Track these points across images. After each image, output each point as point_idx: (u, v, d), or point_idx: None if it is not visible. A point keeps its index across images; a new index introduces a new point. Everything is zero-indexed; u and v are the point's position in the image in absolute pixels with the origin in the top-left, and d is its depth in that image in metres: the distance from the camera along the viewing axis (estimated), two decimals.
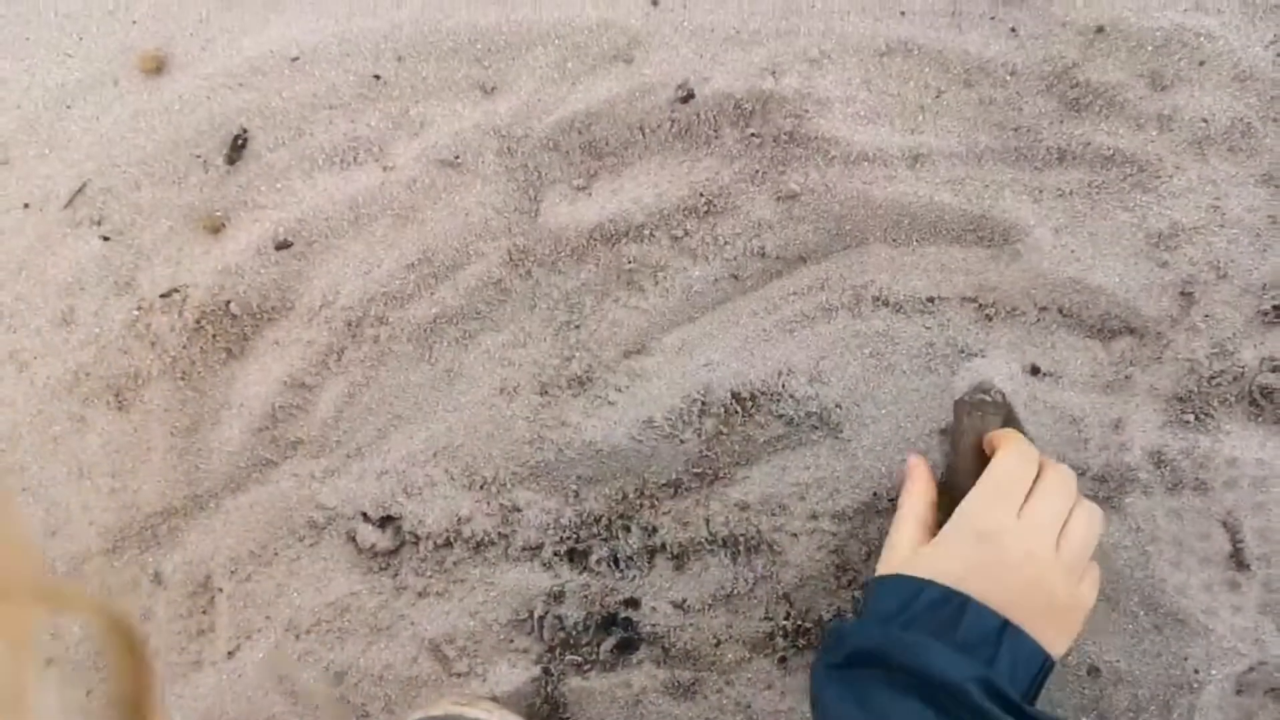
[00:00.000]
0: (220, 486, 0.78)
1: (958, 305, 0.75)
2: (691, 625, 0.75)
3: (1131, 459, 0.73)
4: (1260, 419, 0.72)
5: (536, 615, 0.76)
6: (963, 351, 0.75)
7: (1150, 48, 0.74)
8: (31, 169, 0.80)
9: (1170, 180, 0.74)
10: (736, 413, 0.75)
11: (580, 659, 0.75)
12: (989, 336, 0.75)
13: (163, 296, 0.79)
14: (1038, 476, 0.62)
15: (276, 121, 0.79)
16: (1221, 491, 0.72)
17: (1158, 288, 0.74)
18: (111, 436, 0.78)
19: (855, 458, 0.75)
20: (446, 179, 0.78)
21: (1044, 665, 0.57)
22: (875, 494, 0.74)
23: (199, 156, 0.79)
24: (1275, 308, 0.73)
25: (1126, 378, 0.74)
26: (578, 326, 0.77)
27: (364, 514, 0.77)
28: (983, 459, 0.66)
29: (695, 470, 0.75)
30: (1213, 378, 0.73)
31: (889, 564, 0.63)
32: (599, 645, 0.75)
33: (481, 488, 0.77)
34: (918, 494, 0.66)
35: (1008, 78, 0.76)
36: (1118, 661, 0.73)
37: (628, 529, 0.76)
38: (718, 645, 0.75)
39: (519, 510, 0.76)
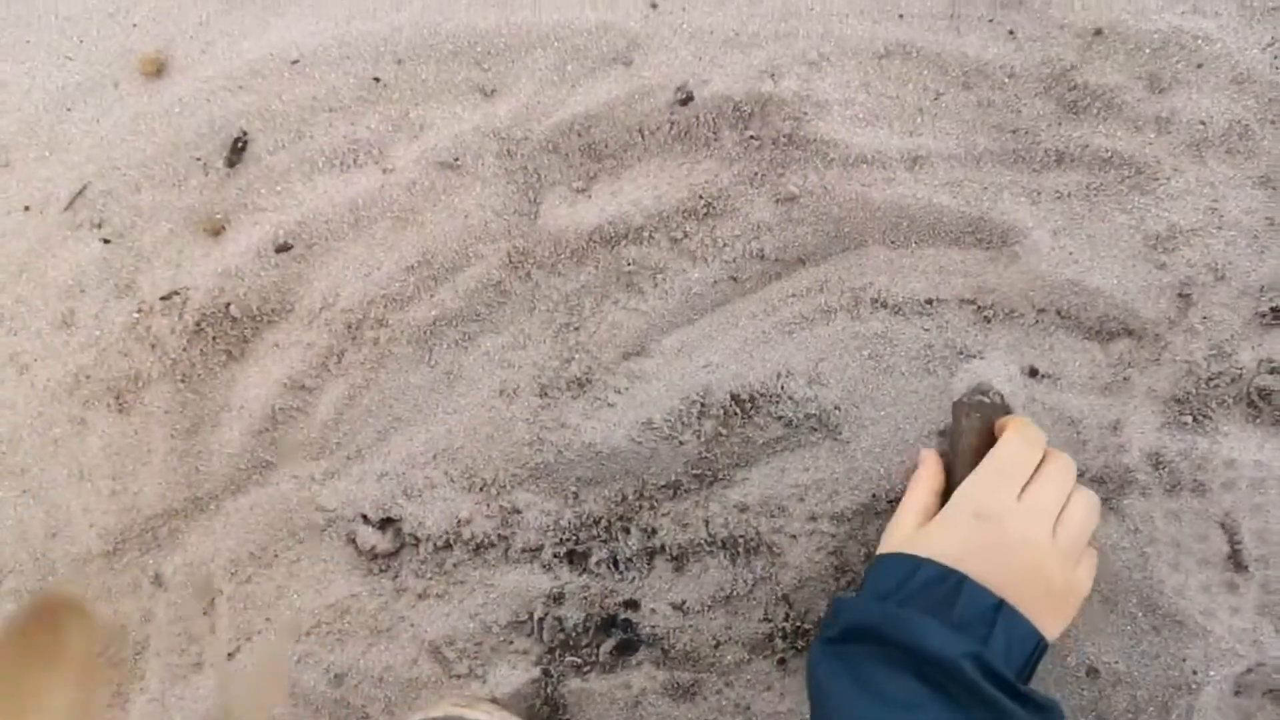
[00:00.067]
0: (220, 488, 0.78)
1: (956, 307, 0.75)
2: (691, 627, 0.75)
3: (1130, 460, 0.73)
4: (1258, 420, 0.73)
5: (536, 617, 0.76)
6: (961, 353, 0.75)
7: (1148, 50, 0.75)
8: (32, 172, 0.81)
9: (1168, 182, 0.74)
10: (735, 414, 0.75)
11: (580, 660, 0.76)
12: (987, 338, 0.75)
13: (163, 299, 0.79)
14: (1040, 463, 0.63)
15: (276, 124, 0.79)
16: (1219, 493, 0.72)
17: (1156, 290, 0.74)
18: (112, 439, 0.78)
19: (854, 459, 0.75)
20: (446, 181, 0.78)
21: (1037, 646, 0.57)
22: (874, 495, 0.75)
23: (199, 159, 0.80)
24: (1273, 309, 0.73)
25: (1125, 379, 0.74)
26: (577, 328, 0.77)
27: (364, 516, 0.77)
28: (981, 457, 0.66)
29: (694, 472, 0.76)
30: (1211, 379, 0.73)
31: (889, 543, 0.64)
32: (599, 647, 0.76)
33: (481, 489, 0.77)
34: (925, 480, 0.67)
35: (1006, 80, 0.76)
36: (1116, 663, 0.73)
37: (627, 530, 0.76)
38: (717, 647, 0.75)
39: (519, 512, 0.76)
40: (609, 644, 0.75)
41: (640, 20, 0.78)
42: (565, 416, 0.77)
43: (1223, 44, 0.74)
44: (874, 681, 0.55)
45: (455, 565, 0.77)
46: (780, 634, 0.75)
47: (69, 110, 0.81)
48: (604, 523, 0.76)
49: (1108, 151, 0.75)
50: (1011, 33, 0.76)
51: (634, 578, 0.76)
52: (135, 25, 0.81)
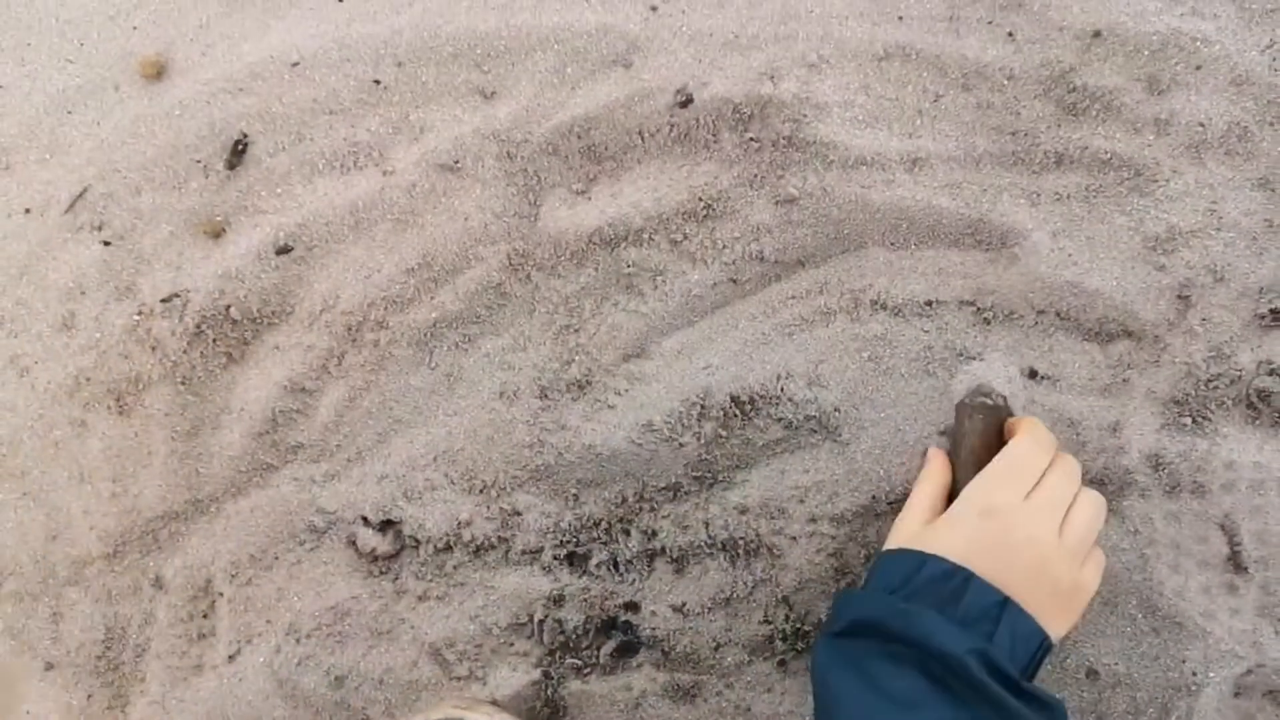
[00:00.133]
0: (221, 491, 0.78)
1: (956, 309, 0.76)
2: (691, 628, 0.75)
3: (1129, 462, 0.73)
4: (1257, 422, 0.73)
5: (536, 619, 0.76)
6: (961, 355, 0.75)
7: (1147, 52, 0.75)
8: (32, 174, 0.81)
9: (1167, 184, 0.74)
10: (735, 416, 0.75)
11: (580, 662, 0.76)
12: (987, 340, 0.75)
13: (163, 301, 0.79)
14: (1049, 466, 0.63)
15: (277, 126, 0.79)
16: (1219, 494, 0.72)
17: (1155, 291, 0.74)
18: (112, 441, 0.78)
19: (854, 461, 0.75)
20: (446, 184, 0.79)
21: (1042, 644, 0.57)
22: (874, 497, 0.75)
23: (199, 161, 0.80)
24: (1272, 311, 0.73)
25: (1124, 381, 0.74)
26: (577, 330, 0.77)
27: (364, 518, 0.77)
28: (985, 460, 0.66)
29: (694, 474, 0.76)
30: (1210, 381, 0.73)
31: (895, 540, 0.64)
32: (599, 649, 0.76)
33: (481, 491, 0.77)
34: (932, 478, 0.67)
35: (1005, 82, 0.76)
36: (1116, 664, 0.73)
37: (627, 532, 0.76)
38: (717, 648, 0.75)
39: (519, 514, 0.77)
40: (609, 646, 0.75)
41: (640, 23, 0.78)
42: (565, 418, 0.77)
43: (1221, 46, 0.74)
44: (878, 676, 0.55)
45: (455, 567, 0.77)
46: (780, 636, 0.75)
47: (70, 113, 0.81)
48: (604, 525, 0.76)
49: (1107, 153, 0.75)
50: (1011, 35, 0.76)
51: (634, 580, 0.76)
52: (135, 28, 0.81)
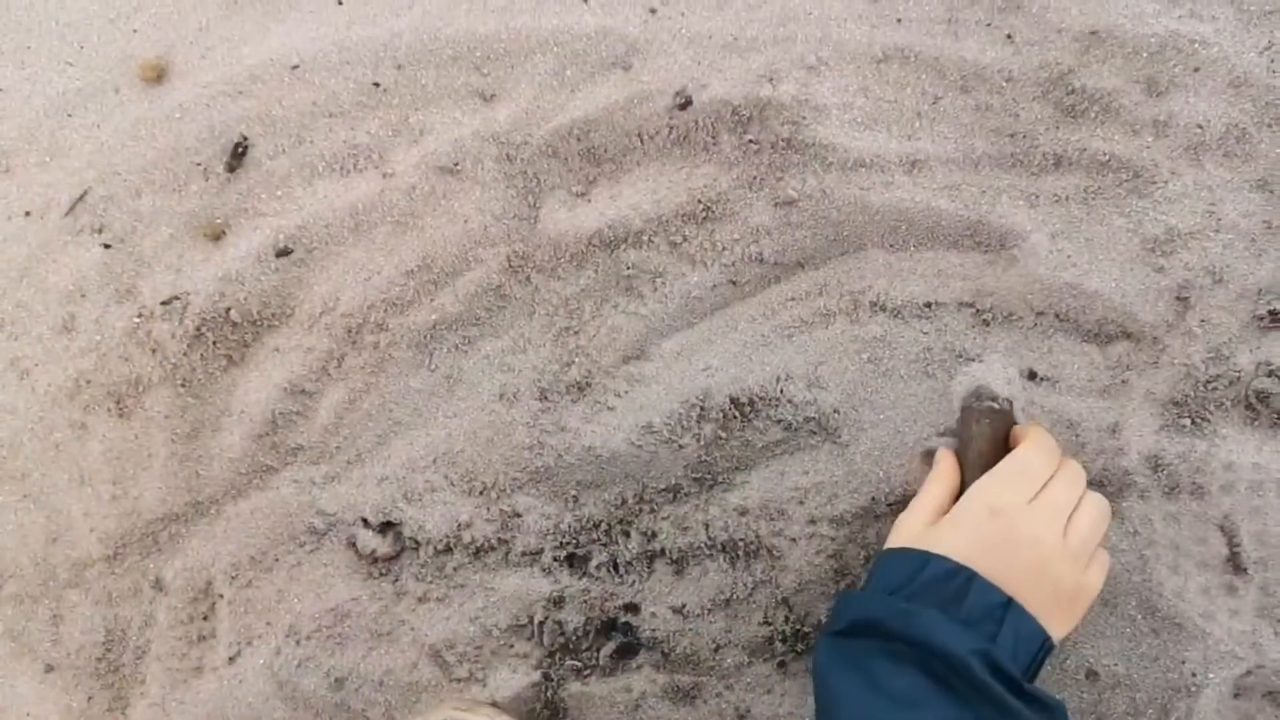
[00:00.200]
0: (221, 493, 0.78)
1: (955, 310, 0.76)
2: (691, 630, 0.75)
3: (1128, 463, 0.73)
4: (1256, 423, 0.73)
5: (536, 620, 0.76)
6: (960, 356, 0.75)
7: (1145, 54, 0.75)
8: (33, 177, 0.81)
9: (1166, 186, 0.74)
10: (735, 418, 0.76)
11: (580, 664, 0.76)
12: (986, 341, 0.75)
13: (163, 304, 0.79)
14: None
15: (277, 129, 0.80)
16: (1218, 495, 0.72)
17: (1154, 293, 0.74)
18: (112, 443, 0.79)
19: (853, 462, 0.75)
20: (446, 186, 0.79)
21: (1044, 645, 0.57)
22: (873, 498, 0.75)
23: (199, 164, 0.80)
24: (1271, 312, 0.73)
25: (1123, 382, 0.74)
26: (577, 332, 0.77)
27: (364, 520, 0.77)
28: (991, 464, 0.66)
29: (694, 475, 0.76)
30: (1209, 382, 0.73)
31: (897, 538, 0.64)
32: (599, 650, 0.76)
33: (481, 493, 0.77)
34: (941, 480, 0.66)
35: (1004, 84, 0.76)
36: (1116, 665, 0.73)
37: (627, 534, 0.76)
38: (717, 650, 0.75)
39: (519, 516, 0.77)
40: (609, 647, 0.75)
41: (639, 25, 0.79)
42: (565, 420, 0.77)
43: (1219, 48, 0.74)
44: (880, 676, 0.55)
45: (455, 569, 0.77)
46: (780, 637, 0.75)
47: (70, 116, 0.81)
48: (604, 526, 0.76)
49: (1105, 155, 0.75)
50: (1009, 37, 0.76)
51: (634, 581, 0.76)
52: (136, 31, 0.82)
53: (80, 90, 0.81)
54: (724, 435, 0.76)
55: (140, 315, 0.79)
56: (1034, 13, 0.76)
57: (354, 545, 0.77)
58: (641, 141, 0.78)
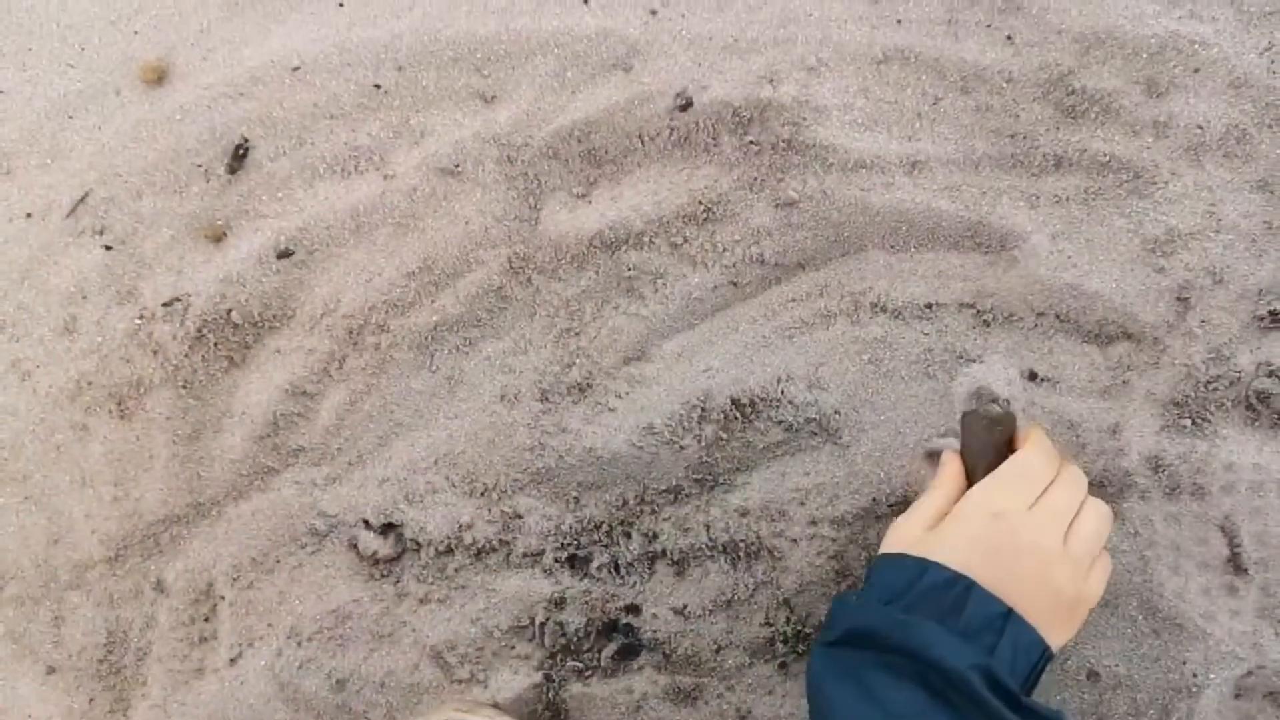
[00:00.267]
0: (222, 494, 0.78)
1: (955, 311, 0.76)
2: (692, 631, 0.75)
3: (1129, 464, 0.73)
4: (1257, 424, 0.73)
5: (538, 622, 0.76)
6: (961, 357, 0.75)
7: (1145, 55, 0.75)
8: (34, 179, 0.81)
9: (1166, 186, 0.74)
10: (736, 419, 0.76)
11: (581, 665, 0.76)
12: (987, 342, 0.75)
13: (165, 305, 0.79)
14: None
15: (278, 131, 0.80)
16: (1219, 496, 0.72)
17: (1154, 293, 0.74)
18: (114, 445, 0.79)
19: (854, 463, 0.75)
20: (447, 187, 0.79)
21: (1043, 655, 0.57)
22: (874, 499, 0.75)
23: (200, 166, 0.80)
24: (1271, 313, 0.73)
25: (1124, 383, 0.74)
26: (578, 333, 0.78)
27: (365, 521, 0.77)
28: (991, 467, 0.66)
29: (695, 476, 0.76)
30: (1209, 383, 0.73)
31: (896, 541, 0.62)
32: (600, 651, 0.76)
33: (482, 494, 0.77)
34: (945, 485, 0.65)
35: (1004, 85, 0.76)
36: (1116, 666, 0.73)
37: (628, 535, 0.76)
38: (718, 651, 0.75)
39: (520, 517, 0.77)
40: (610, 648, 0.75)
41: (640, 27, 0.79)
42: (566, 421, 0.77)
43: (1219, 49, 0.74)
44: (876, 689, 0.54)
45: (457, 570, 0.77)
46: (781, 638, 0.75)
47: (71, 118, 0.81)
48: (605, 527, 0.76)
49: (1106, 156, 0.75)
50: (1009, 38, 0.76)
51: (635, 582, 0.76)
52: (136, 33, 0.82)
53: (81, 92, 0.81)
54: (725, 436, 0.76)
55: (141, 317, 0.79)
56: (1034, 14, 0.76)
57: (355, 547, 0.77)
58: (642, 143, 0.78)
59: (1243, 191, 0.74)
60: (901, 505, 0.74)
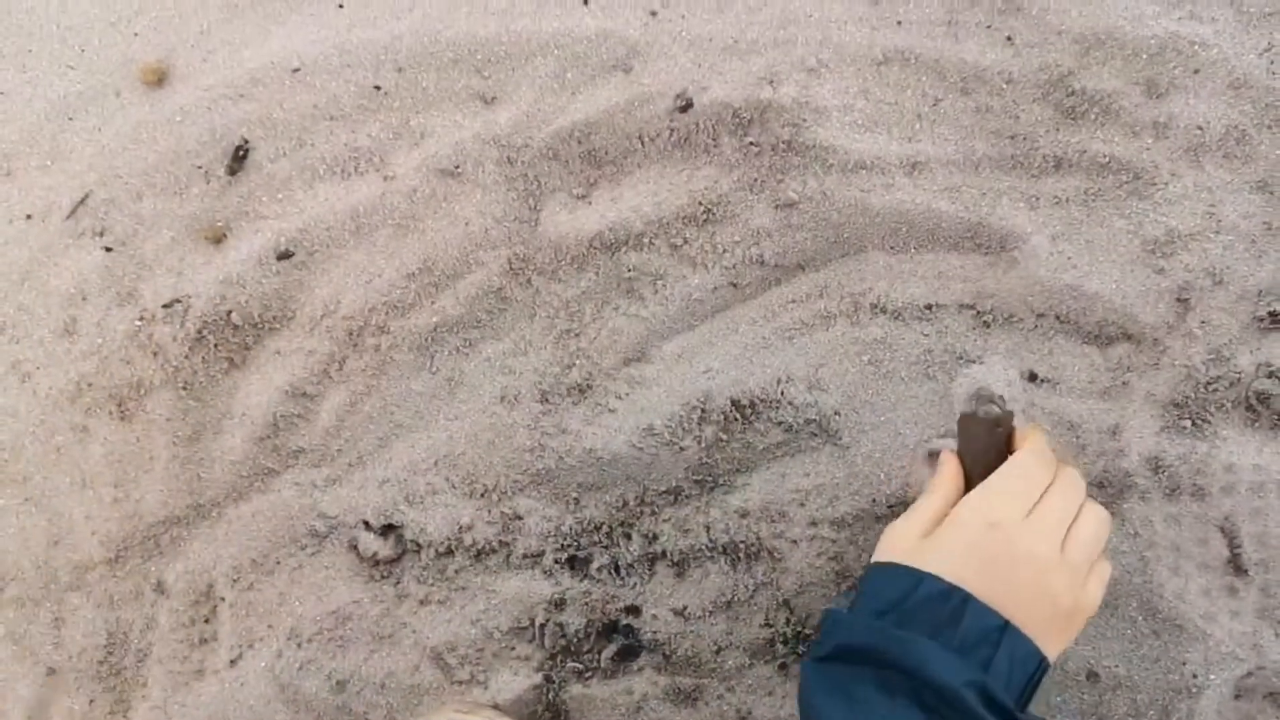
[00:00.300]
0: (222, 496, 0.78)
1: (955, 312, 0.76)
2: (692, 632, 0.75)
3: (1129, 465, 0.73)
4: (1256, 425, 0.73)
5: (538, 623, 0.76)
6: (961, 358, 0.75)
7: (1145, 56, 0.75)
8: (34, 180, 0.81)
9: (1166, 187, 0.74)
10: (736, 420, 0.76)
11: (582, 666, 0.76)
12: (987, 343, 0.75)
13: (165, 306, 0.79)
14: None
15: (278, 132, 0.80)
16: (1219, 497, 0.72)
17: (1154, 294, 0.74)
18: (114, 446, 0.79)
19: (854, 464, 0.75)
20: (447, 189, 0.79)
21: (1040, 666, 0.56)
22: (874, 500, 0.75)
23: (200, 167, 0.80)
24: (1271, 314, 0.73)
25: (1124, 384, 0.74)
26: (578, 334, 0.78)
27: (366, 522, 0.77)
28: (991, 470, 0.65)
29: (695, 477, 0.76)
30: (1209, 384, 0.73)
31: (890, 548, 0.61)
32: (600, 652, 0.76)
33: (483, 496, 0.77)
34: (942, 490, 0.63)
35: (1004, 86, 0.76)
36: (1116, 667, 0.73)
37: (628, 536, 0.76)
38: (718, 652, 0.75)
39: (520, 518, 0.77)
40: (610, 649, 0.75)
41: (640, 28, 0.79)
42: (566, 422, 0.77)
43: (1219, 49, 0.74)
44: (869, 705, 0.53)
45: (457, 571, 0.77)
46: (781, 639, 0.75)
47: (71, 119, 0.81)
48: (605, 528, 0.76)
49: (1105, 157, 0.75)
50: (1009, 39, 0.76)
51: (635, 583, 0.76)
52: (137, 34, 0.82)
53: (81, 94, 0.81)
54: (725, 437, 0.76)
55: (142, 318, 0.79)
56: (1034, 15, 0.76)
57: (355, 548, 0.77)
58: (642, 144, 0.78)
59: (1242, 192, 0.74)
60: (901, 506, 0.74)
